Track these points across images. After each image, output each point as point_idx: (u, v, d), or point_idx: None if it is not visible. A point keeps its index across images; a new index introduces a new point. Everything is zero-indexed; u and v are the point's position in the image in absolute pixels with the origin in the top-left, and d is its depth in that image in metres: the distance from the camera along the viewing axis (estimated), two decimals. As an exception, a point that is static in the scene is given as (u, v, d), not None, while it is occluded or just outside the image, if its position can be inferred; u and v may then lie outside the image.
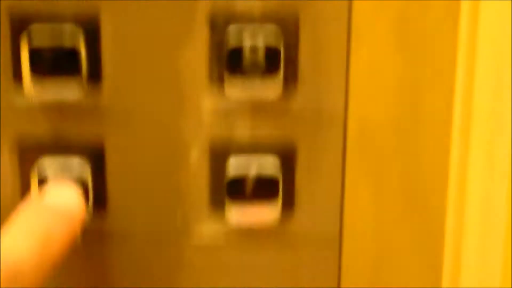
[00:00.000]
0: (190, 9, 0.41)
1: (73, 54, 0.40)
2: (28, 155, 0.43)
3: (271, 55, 0.40)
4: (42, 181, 0.42)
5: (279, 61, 0.40)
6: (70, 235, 0.39)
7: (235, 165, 0.42)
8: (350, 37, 0.41)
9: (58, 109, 0.42)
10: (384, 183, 0.43)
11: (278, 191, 0.42)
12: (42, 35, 0.40)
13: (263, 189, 0.42)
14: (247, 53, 0.40)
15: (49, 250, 0.38)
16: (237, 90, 0.41)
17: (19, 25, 0.40)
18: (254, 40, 0.40)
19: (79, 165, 0.42)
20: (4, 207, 0.43)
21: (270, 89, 0.41)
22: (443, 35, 0.41)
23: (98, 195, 0.43)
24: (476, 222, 0.44)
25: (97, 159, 0.43)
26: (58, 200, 0.40)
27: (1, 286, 0.35)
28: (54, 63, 0.40)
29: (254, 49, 0.40)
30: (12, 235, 0.38)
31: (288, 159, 0.43)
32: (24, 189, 0.43)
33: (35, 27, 0.40)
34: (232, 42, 0.40)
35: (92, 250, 0.44)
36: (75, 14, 0.40)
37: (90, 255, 0.44)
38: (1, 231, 0.37)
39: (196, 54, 0.41)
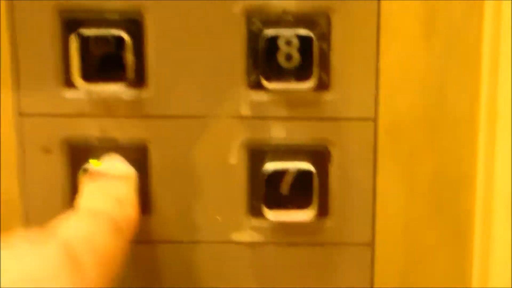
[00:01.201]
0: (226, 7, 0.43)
1: (120, 58, 0.43)
2: (76, 157, 0.45)
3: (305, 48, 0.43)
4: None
5: (312, 57, 0.43)
6: (135, 199, 0.42)
7: (272, 166, 0.44)
8: (380, 35, 0.43)
9: (105, 112, 0.45)
10: (414, 184, 0.45)
11: (313, 190, 0.44)
12: (91, 42, 0.43)
13: (300, 188, 0.44)
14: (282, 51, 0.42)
15: (123, 212, 0.41)
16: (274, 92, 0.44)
17: (68, 29, 0.43)
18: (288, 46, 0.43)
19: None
20: (54, 208, 0.45)
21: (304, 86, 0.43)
22: (468, 34, 0.43)
23: (142, 198, 0.45)
24: (504, 223, 0.45)
25: (141, 163, 0.45)
26: (114, 167, 0.44)
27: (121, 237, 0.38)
28: (102, 67, 0.43)
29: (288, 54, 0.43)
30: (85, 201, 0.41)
31: (321, 161, 0.45)
32: (73, 190, 0.45)
33: (85, 32, 0.43)
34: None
35: (137, 253, 0.46)
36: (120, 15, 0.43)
37: (135, 258, 0.46)
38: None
39: (234, 56, 0.44)
